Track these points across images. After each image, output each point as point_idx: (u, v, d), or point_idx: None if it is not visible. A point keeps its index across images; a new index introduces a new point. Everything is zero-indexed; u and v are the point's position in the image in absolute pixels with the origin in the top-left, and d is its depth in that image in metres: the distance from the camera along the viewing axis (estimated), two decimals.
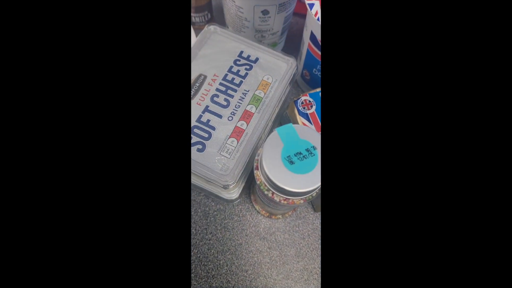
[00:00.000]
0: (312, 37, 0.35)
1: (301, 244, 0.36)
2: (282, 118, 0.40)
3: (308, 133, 0.24)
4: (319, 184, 0.23)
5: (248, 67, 0.34)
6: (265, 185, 0.25)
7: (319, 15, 0.30)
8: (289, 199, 0.25)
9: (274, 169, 0.23)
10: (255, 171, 0.26)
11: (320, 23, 0.30)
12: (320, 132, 0.32)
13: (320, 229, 0.37)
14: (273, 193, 0.25)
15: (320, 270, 0.35)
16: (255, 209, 0.37)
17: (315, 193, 0.26)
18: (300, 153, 0.23)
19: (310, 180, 0.23)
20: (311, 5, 0.30)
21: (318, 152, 0.24)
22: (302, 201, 0.25)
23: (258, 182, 0.26)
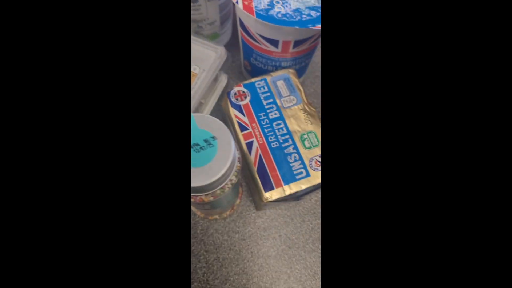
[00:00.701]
0: (242, 24, 0.33)
1: (241, 246, 0.33)
2: (221, 112, 0.38)
3: (208, 122, 0.22)
4: (217, 176, 0.20)
5: None
6: None
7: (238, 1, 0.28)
8: (195, 196, 0.23)
9: None
10: None
11: (241, 7, 0.28)
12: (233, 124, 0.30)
13: (263, 228, 0.34)
14: None
15: (259, 272, 0.32)
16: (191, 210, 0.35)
17: (227, 188, 0.23)
18: (197, 145, 0.21)
19: (206, 174, 0.20)
20: None
21: (219, 142, 0.21)
22: (212, 198, 0.23)
23: None
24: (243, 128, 0.31)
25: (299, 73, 0.39)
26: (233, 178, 0.23)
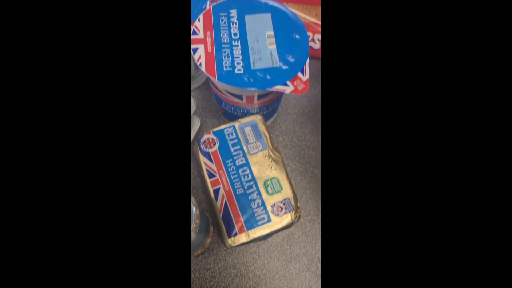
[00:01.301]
0: (209, 78, 0.35)
1: (211, 283, 0.36)
2: (193, 155, 0.40)
3: None
4: None
5: None
6: None
7: (202, 60, 0.30)
8: None
9: None
10: None
11: (203, 69, 0.30)
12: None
13: (232, 265, 0.36)
14: None
15: None
16: None
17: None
18: None
19: None
20: (195, 50, 0.31)
21: None
22: None
23: None
24: (211, 175, 0.33)
25: (270, 115, 0.42)
26: (192, 234, 0.25)
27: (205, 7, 0.35)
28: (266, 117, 0.41)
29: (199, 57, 0.31)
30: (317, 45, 0.46)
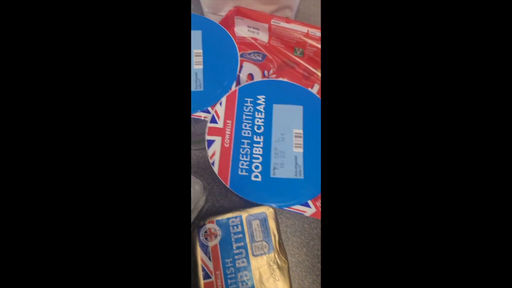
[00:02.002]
0: None
1: None
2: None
3: None
4: None
5: None
6: None
7: (216, 157, 0.27)
8: None
9: None
10: None
11: (216, 170, 0.26)
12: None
13: None
14: None
15: None
16: None
17: None
18: None
19: None
20: (210, 142, 0.27)
21: None
22: None
23: None
24: (206, 276, 0.30)
25: None
26: None
27: (230, 87, 0.30)
28: None
29: (213, 154, 0.27)
30: None
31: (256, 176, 0.26)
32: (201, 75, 0.29)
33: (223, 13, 0.42)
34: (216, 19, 0.44)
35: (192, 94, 0.28)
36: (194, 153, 0.40)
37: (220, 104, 0.28)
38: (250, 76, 0.38)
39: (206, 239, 0.31)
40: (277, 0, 0.42)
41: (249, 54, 0.40)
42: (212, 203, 0.40)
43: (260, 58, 0.40)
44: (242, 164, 0.26)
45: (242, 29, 0.40)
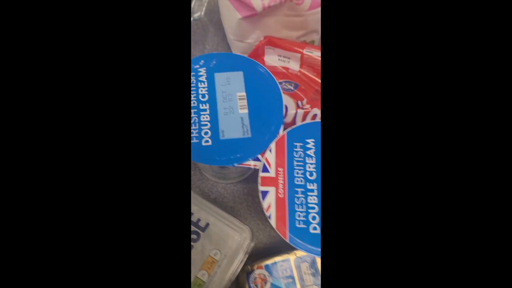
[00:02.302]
0: None
1: None
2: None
3: None
4: None
5: (195, 237, 0.30)
6: None
7: (272, 211, 0.26)
8: None
9: None
10: None
11: (273, 223, 0.25)
12: None
13: None
14: None
15: None
16: None
17: None
18: None
19: None
20: (265, 194, 0.26)
21: None
22: None
23: None
24: None
25: None
26: None
27: (278, 132, 0.29)
28: None
29: (269, 206, 0.26)
30: None
31: (315, 229, 0.25)
32: (247, 120, 0.28)
33: (250, 41, 0.41)
34: (242, 46, 0.42)
35: (241, 141, 0.27)
36: (229, 187, 0.39)
37: (270, 151, 0.27)
38: (285, 108, 0.37)
39: (256, 285, 0.30)
40: (305, 25, 0.41)
41: (281, 83, 0.39)
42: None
43: (292, 87, 0.39)
44: (299, 216, 0.26)
45: (272, 59, 0.39)
